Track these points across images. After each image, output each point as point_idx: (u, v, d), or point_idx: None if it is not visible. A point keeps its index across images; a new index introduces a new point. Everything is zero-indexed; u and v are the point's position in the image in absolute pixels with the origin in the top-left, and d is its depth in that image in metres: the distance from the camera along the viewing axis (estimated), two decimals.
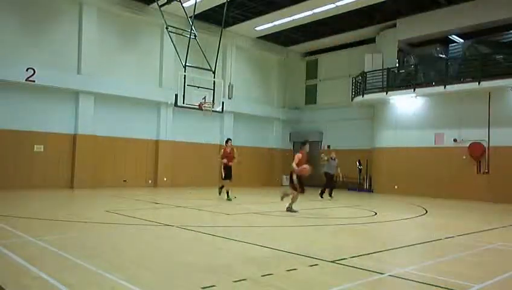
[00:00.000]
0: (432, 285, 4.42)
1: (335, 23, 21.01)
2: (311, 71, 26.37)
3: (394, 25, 20.68)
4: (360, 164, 21.68)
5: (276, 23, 21.01)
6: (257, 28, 21.97)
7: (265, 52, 24.59)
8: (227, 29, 21.05)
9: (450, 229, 8.97)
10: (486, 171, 17.53)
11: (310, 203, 11.14)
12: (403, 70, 20.26)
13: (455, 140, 18.42)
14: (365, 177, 21.96)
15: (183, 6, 17.25)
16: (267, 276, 4.58)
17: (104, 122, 18.42)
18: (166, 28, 17.07)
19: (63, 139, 17.46)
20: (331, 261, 5.35)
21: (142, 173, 19.78)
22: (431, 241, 7.50)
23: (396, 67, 20.55)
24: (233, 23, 21.15)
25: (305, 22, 20.74)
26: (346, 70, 23.89)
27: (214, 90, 16.06)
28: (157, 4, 17.71)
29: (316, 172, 15.42)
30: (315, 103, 25.95)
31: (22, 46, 16.37)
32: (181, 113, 19.81)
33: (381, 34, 21.77)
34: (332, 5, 18.47)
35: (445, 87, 17.84)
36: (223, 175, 14.21)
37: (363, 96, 20.69)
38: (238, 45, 23.20)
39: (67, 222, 8.46)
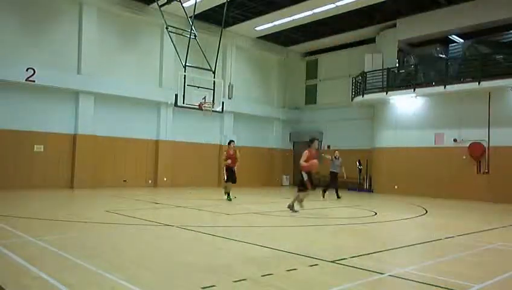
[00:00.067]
0: (432, 285, 4.42)
1: (335, 23, 21.01)
2: (311, 71, 26.37)
3: (394, 25, 20.68)
4: (360, 164, 21.68)
5: (276, 23, 21.02)
6: (257, 28, 21.97)
7: (265, 52, 24.59)
8: (227, 29, 21.05)
9: (450, 229, 8.97)
10: (486, 171, 17.53)
11: (310, 203, 11.13)
12: (403, 70, 20.26)
13: (455, 140, 18.42)
14: (365, 177, 21.97)
15: (183, 6, 17.25)
16: (267, 276, 4.58)
17: (104, 122, 18.42)
18: (166, 28, 17.08)
19: (63, 139, 17.47)
20: (331, 261, 5.35)
21: (142, 173, 19.78)
22: (431, 241, 7.49)
23: (396, 67, 20.55)
24: (233, 23, 21.15)
25: (305, 22, 20.74)
26: (346, 70, 23.88)
27: (214, 90, 16.07)
28: (157, 4, 17.71)
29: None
30: (315, 103, 25.95)
31: (22, 46, 16.38)
32: (181, 113, 19.82)
33: (381, 34, 21.77)
34: (332, 5, 18.47)
35: (445, 87, 17.84)
36: (226, 177, 13.92)
37: (363, 96, 20.69)
38: (238, 45, 23.20)
39: (67, 222, 8.46)
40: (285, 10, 19.33)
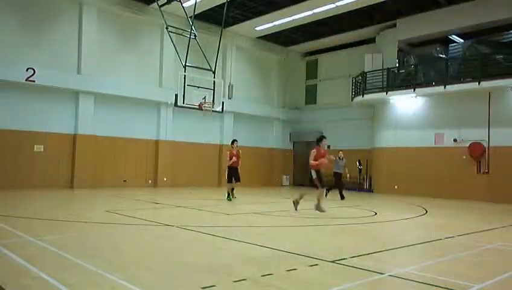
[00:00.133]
0: (432, 285, 4.42)
1: (335, 23, 21.01)
2: (311, 71, 26.37)
3: (394, 25, 20.69)
4: (360, 164, 21.67)
5: (276, 23, 21.02)
6: (257, 28, 21.97)
7: (265, 52, 24.59)
8: (227, 29, 21.05)
9: (450, 229, 8.97)
10: (486, 171, 17.54)
11: (310, 203, 11.13)
12: (403, 70, 20.26)
13: (455, 140, 18.43)
14: (365, 177, 21.97)
15: (183, 6, 17.25)
16: (267, 276, 4.58)
17: (104, 122, 18.42)
18: (166, 28, 17.08)
19: (63, 139, 17.47)
20: (331, 261, 5.35)
21: (142, 173, 19.78)
22: (431, 241, 7.49)
23: (396, 67, 20.55)
24: (233, 23, 21.15)
25: (305, 22, 20.75)
26: (346, 70, 23.89)
27: (214, 90, 16.06)
28: (157, 4, 17.71)
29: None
30: (315, 103, 25.95)
31: (22, 46, 16.38)
32: (181, 113, 19.82)
33: (381, 34, 21.77)
34: (332, 5, 18.48)
35: (445, 87, 17.84)
36: (227, 178, 13.92)
37: (363, 96, 20.69)
38: (238, 45, 23.20)
39: (67, 222, 8.46)
40: (285, 10, 19.34)
